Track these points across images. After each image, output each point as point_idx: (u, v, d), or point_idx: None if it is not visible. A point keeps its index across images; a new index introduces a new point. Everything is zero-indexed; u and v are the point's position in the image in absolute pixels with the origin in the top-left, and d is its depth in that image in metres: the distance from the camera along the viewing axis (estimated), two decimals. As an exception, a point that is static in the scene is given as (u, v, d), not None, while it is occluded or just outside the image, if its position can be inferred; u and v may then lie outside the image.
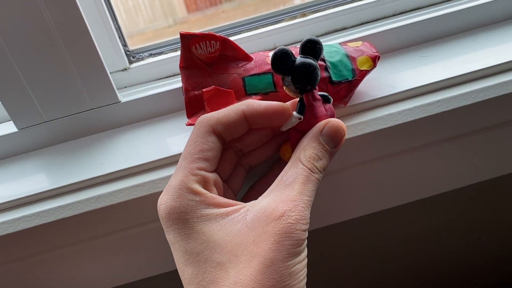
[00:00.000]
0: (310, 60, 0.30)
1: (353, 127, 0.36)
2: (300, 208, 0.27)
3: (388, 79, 0.40)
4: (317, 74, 0.31)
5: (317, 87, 0.32)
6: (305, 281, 0.27)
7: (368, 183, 0.40)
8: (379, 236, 0.57)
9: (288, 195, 0.28)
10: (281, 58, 0.30)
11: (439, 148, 0.39)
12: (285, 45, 0.43)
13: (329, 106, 0.33)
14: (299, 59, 0.30)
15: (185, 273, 0.27)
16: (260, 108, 0.31)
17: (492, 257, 0.64)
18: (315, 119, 0.31)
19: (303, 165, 0.29)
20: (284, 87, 0.32)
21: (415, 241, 0.59)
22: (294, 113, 0.31)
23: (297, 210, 0.27)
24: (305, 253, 0.27)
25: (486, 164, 0.42)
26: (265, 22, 0.47)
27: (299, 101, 0.32)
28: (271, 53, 0.38)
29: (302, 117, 0.31)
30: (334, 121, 0.31)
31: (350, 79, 0.36)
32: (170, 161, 0.37)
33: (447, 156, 0.40)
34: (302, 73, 0.30)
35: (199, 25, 0.52)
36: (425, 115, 0.36)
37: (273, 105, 0.31)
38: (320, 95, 0.32)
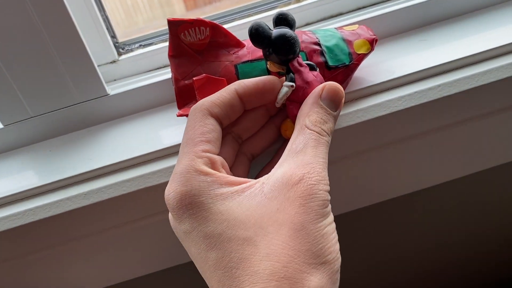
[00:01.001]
0: (287, 29, 0.31)
1: (351, 114, 0.35)
2: (318, 169, 0.26)
3: (386, 64, 0.39)
4: (297, 40, 0.30)
5: (299, 55, 0.31)
6: (338, 244, 0.26)
7: (368, 173, 0.39)
8: (381, 227, 0.56)
9: (302, 160, 0.27)
10: (258, 31, 0.30)
11: (442, 134, 0.38)
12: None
13: (317, 73, 0.32)
14: (276, 30, 0.30)
15: (208, 260, 0.25)
16: (251, 83, 0.30)
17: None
18: (307, 84, 0.31)
19: (310, 130, 0.28)
20: (268, 63, 0.32)
21: (420, 231, 0.57)
22: (285, 82, 0.31)
23: (315, 171, 0.26)
24: (332, 216, 0.26)
25: (492, 151, 0.40)
26: (259, 9, 0.46)
27: (286, 72, 0.31)
28: None
29: (294, 84, 0.31)
30: (331, 83, 0.30)
31: (347, 63, 0.34)
32: (161, 154, 0.36)
33: (450, 143, 0.38)
34: (282, 42, 0.30)
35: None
36: (426, 100, 0.35)
37: (263, 78, 0.31)
38: (305, 63, 0.32)
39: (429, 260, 0.62)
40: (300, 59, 0.31)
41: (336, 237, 0.26)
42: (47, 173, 0.37)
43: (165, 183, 0.34)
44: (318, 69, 0.33)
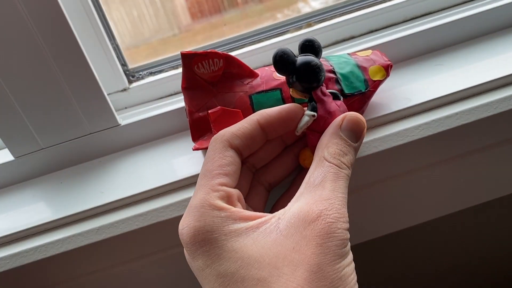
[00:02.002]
0: (312, 57, 0.30)
1: (367, 144, 0.34)
2: (337, 205, 0.25)
3: (402, 90, 0.38)
4: (321, 69, 0.30)
5: (324, 84, 0.30)
6: (357, 286, 0.24)
7: (385, 202, 0.38)
8: (400, 257, 0.54)
9: (320, 195, 0.25)
10: (282, 58, 0.29)
11: (461, 162, 0.37)
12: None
13: (340, 102, 0.31)
14: (300, 57, 0.30)
15: None
16: (274, 113, 0.30)
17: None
18: (329, 114, 0.30)
19: (329, 162, 0.27)
20: (291, 91, 0.31)
21: (439, 259, 0.56)
22: (307, 111, 0.30)
23: (334, 208, 0.25)
24: (351, 255, 0.25)
25: None
26: (269, 34, 0.45)
27: (308, 100, 0.30)
28: None
29: (315, 114, 0.30)
30: (352, 114, 0.29)
31: (363, 90, 0.34)
32: (175, 186, 0.35)
33: (469, 171, 0.37)
34: (306, 70, 0.29)
35: (204, 33, 0.51)
36: (444, 128, 0.34)
37: (286, 107, 0.30)
38: (329, 92, 0.31)
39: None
40: (324, 88, 0.30)
41: (355, 278, 0.24)
42: (58, 206, 0.36)
43: (179, 217, 0.33)
44: (342, 98, 0.32)
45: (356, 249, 0.42)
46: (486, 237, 0.55)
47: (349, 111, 0.33)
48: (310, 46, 0.30)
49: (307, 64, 0.29)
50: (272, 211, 0.32)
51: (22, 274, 0.34)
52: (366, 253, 0.53)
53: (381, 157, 0.34)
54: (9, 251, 0.34)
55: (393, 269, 0.57)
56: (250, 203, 0.31)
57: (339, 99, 0.31)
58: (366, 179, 0.36)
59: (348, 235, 0.25)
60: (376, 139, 0.34)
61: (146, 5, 0.52)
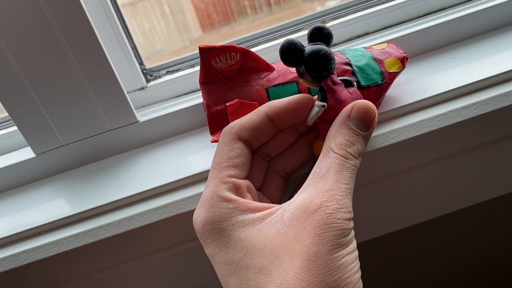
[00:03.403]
0: (320, 46, 0.29)
1: (384, 135, 0.34)
2: (338, 196, 0.25)
3: (418, 83, 0.38)
4: (331, 58, 0.29)
5: (335, 72, 0.30)
6: (359, 274, 0.25)
7: (403, 194, 0.38)
8: (416, 250, 0.54)
9: (323, 186, 0.26)
10: (289, 49, 0.29)
11: (479, 153, 0.36)
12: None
13: (353, 89, 0.31)
14: (309, 47, 0.29)
15: (228, 285, 0.26)
16: (282, 104, 0.30)
17: None
18: (340, 103, 0.29)
19: (334, 153, 0.27)
20: (301, 80, 0.31)
21: (455, 253, 0.56)
22: (317, 101, 0.30)
23: (334, 199, 0.25)
24: (354, 244, 0.25)
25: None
26: (285, 32, 0.46)
27: (319, 90, 0.30)
28: None
29: (325, 104, 0.29)
30: (361, 102, 0.29)
31: (380, 82, 0.34)
32: (193, 180, 0.36)
33: (488, 162, 0.37)
34: (315, 60, 0.29)
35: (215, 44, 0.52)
36: (461, 119, 0.34)
37: (295, 98, 0.30)
38: (341, 80, 0.30)
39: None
40: (334, 77, 0.30)
41: (357, 267, 0.25)
42: (79, 201, 0.37)
43: (198, 210, 0.34)
44: (355, 84, 0.31)
45: (369, 244, 0.42)
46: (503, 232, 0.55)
47: (363, 101, 0.33)
48: (319, 34, 0.30)
49: (315, 53, 0.29)
50: (288, 200, 0.33)
51: (43, 267, 0.35)
52: (375, 249, 0.53)
53: (398, 149, 0.34)
54: (31, 245, 0.35)
55: (408, 265, 0.57)
56: (266, 192, 0.32)
57: (352, 86, 0.31)
58: (382, 172, 0.36)
59: (350, 225, 0.25)
60: (393, 130, 0.34)
61: (158, 17, 0.53)
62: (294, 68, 0.35)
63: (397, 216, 0.39)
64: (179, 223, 0.34)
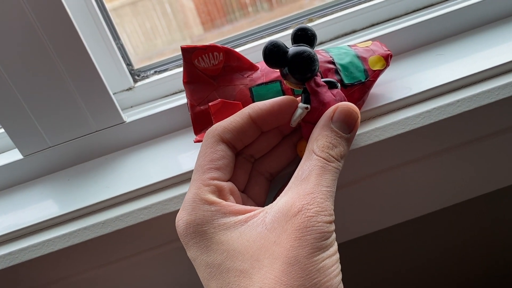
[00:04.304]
0: (304, 47, 0.29)
1: (368, 133, 0.34)
2: (319, 199, 0.25)
3: (403, 81, 0.38)
4: (315, 59, 0.29)
5: (319, 74, 0.30)
6: (340, 277, 0.25)
7: (388, 193, 0.38)
8: (400, 249, 0.54)
9: (304, 189, 0.26)
10: (272, 51, 0.28)
11: (463, 151, 0.36)
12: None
13: (337, 91, 0.31)
14: (292, 48, 0.29)
15: None
16: (265, 106, 0.30)
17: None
18: (324, 105, 0.29)
19: (317, 155, 0.27)
20: (285, 81, 0.30)
21: (441, 252, 0.56)
22: (300, 104, 0.30)
23: (315, 202, 0.25)
24: (334, 247, 0.25)
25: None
26: (271, 30, 0.46)
27: (302, 91, 0.30)
28: None
29: (308, 106, 0.29)
30: (344, 104, 0.29)
31: (363, 80, 0.34)
32: (178, 180, 0.36)
33: (471, 160, 0.37)
34: (298, 62, 0.28)
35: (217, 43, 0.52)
36: (445, 116, 0.34)
37: (278, 100, 0.30)
38: (325, 81, 0.30)
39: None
40: (318, 79, 0.30)
41: (337, 270, 0.25)
42: (65, 202, 0.37)
43: (182, 210, 0.34)
44: (339, 86, 0.31)
45: (357, 243, 0.41)
46: (496, 228, 0.55)
47: (349, 101, 0.33)
48: (303, 36, 0.29)
49: (299, 55, 0.28)
50: (272, 201, 0.33)
51: (30, 268, 0.35)
52: (366, 248, 0.53)
53: (382, 147, 0.34)
54: (18, 246, 0.35)
55: (392, 265, 0.57)
56: (250, 194, 0.32)
57: (336, 88, 0.31)
58: (367, 170, 0.36)
59: (331, 228, 0.25)
60: (377, 128, 0.34)
61: (159, 17, 0.53)
62: (278, 68, 0.35)
63: (381, 215, 0.39)
64: (164, 224, 0.34)
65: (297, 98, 0.31)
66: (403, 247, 0.54)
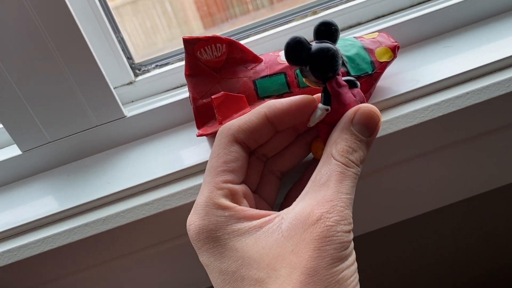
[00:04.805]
0: (328, 44, 0.27)
1: (376, 127, 0.33)
2: (339, 208, 0.24)
3: (410, 73, 0.37)
4: (338, 58, 0.27)
5: (340, 73, 0.28)
6: (358, 287, 0.24)
7: (396, 188, 0.37)
8: (411, 244, 0.53)
9: (323, 196, 0.25)
10: (295, 48, 0.26)
11: (472, 145, 0.36)
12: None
13: (357, 90, 0.29)
14: (315, 45, 0.27)
15: None
16: (283, 106, 0.28)
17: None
18: (344, 107, 0.28)
19: (336, 160, 0.26)
20: (304, 79, 0.29)
21: (453, 248, 0.55)
22: (320, 104, 0.28)
23: (335, 210, 0.24)
24: (353, 257, 0.24)
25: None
26: (275, 23, 0.45)
27: (322, 91, 0.28)
28: (281, 53, 0.35)
29: (329, 108, 0.28)
30: (365, 106, 0.27)
31: (370, 72, 0.33)
32: (180, 175, 0.35)
33: (482, 154, 0.36)
34: (321, 60, 0.27)
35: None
36: (454, 109, 0.33)
37: (297, 99, 0.28)
38: (345, 80, 0.29)
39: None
40: (339, 78, 0.28)
41: (356, 280, 0.24)
42: (65, 199, 0.36)
43: (185, 205, 0.33)
44: (359, 85, 0.30)
45: (363, 239, 0.41)
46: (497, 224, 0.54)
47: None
48: (326, 31, 0.27)
49: (323, 53, 0.27)
50: (284, 201, 0.32)
51: (29, 266, 0.34)
52: (370, 244, 0.52)
53: (390, 141, 0.33)
54: (17, 243, 0.34)
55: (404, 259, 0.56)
56: (262, 193, 0.31)
57: (356, 87, 0.29)
58: (373, 165, 0.35)
59: (350, 237, 0.24)
60: (385, 122, 0.33)
61: (159, 15, 0.52)
62: (282, 59, 0.34)
63: (389, 210, 0.38)
64: (167, 220, 0.34)
65: (314, 96, 0.29)
66: (411, 243, 0.53)
